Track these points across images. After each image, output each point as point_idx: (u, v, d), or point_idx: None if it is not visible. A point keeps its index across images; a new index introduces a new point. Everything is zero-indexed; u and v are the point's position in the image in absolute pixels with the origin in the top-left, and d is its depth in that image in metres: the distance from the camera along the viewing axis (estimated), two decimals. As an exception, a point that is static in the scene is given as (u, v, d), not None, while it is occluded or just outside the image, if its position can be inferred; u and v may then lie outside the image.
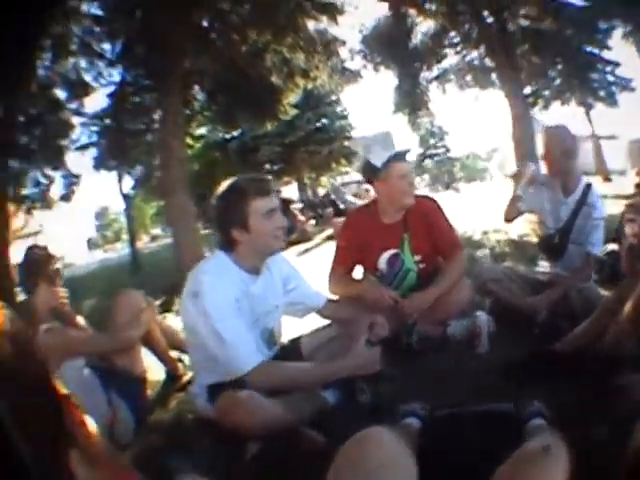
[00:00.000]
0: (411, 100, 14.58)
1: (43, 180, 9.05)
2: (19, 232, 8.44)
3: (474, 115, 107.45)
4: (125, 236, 25.36)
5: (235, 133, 14.32)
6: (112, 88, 9.17)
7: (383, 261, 2.49)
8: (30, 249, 2.53)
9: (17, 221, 8.35)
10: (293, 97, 9.17)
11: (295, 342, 2.13)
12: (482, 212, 7.76)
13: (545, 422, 1.44)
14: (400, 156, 2.50)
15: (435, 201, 2.60)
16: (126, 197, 11.58)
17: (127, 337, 2.32)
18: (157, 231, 19.86)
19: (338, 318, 2.16)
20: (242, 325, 1.73)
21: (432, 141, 36.14)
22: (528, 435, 1.34)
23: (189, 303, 1.78)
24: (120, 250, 22.30)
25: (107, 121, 9.76)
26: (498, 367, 2.04)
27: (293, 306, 2.08)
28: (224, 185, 1.86)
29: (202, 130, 12.46)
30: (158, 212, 18.24)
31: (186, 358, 2.64)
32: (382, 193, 2.47)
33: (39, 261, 2.46)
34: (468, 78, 13.62)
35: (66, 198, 9.91)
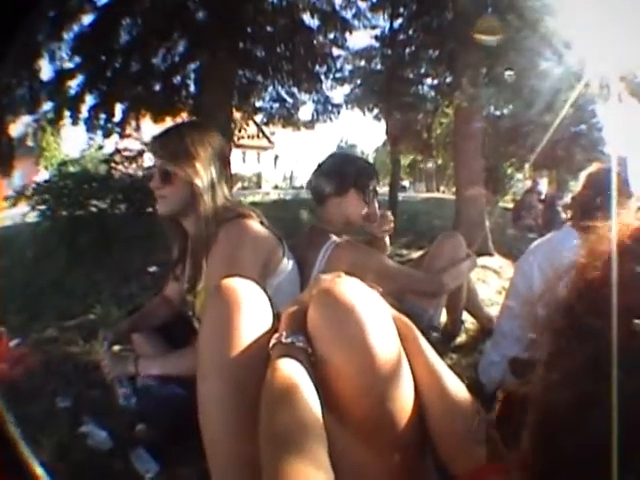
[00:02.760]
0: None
1: (289, 99, 8.68)
2: (246, 140, 8.85)
3: None
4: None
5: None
6: (377, 31, 8.99)
7: None
8: None
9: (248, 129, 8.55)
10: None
11: None
12: None
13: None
14: None
15: None
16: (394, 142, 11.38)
17: (443, 283, 2.19)
18: (405, 183, 20.00)
19: None
20: None
21: None
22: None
23: (542, 273, 1.92)
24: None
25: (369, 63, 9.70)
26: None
27: None
28: (595, 170, 2.14)
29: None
30: (411, 165, 18.25)
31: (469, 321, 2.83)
32: None
33: None
34: None
35: (309, 126, 9.40)
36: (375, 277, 1.79)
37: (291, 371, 0.81)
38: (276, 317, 0.98)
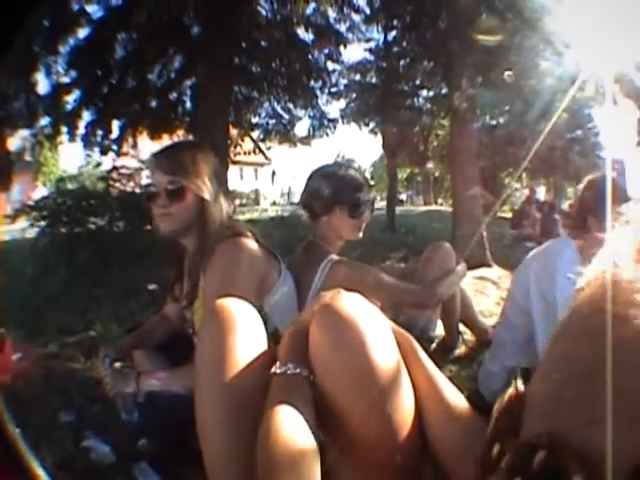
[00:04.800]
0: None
1: (285, 115, 8.63)
2: (243, 157, 8.71)
3: None
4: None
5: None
6: (372, 44, 9.03)
7: None
8: None
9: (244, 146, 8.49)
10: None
11: None
12: None
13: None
14: None
15: None
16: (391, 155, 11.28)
17: (436, 293, 2.21)
18: (402, 196, 20.11)
19: None
20: None
21: None
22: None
23: (538, 282, 1.96)
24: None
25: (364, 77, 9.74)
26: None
27: None
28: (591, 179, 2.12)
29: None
30: (408, 178, 18.36)
31: (468, 332, 2.83)
32: None
33: None
34: None
35: (305, 141, 9.26)
36: (372, 293, 1.81)
37: (290, 430, 0.79)
38: (274, 335, 1.00)
